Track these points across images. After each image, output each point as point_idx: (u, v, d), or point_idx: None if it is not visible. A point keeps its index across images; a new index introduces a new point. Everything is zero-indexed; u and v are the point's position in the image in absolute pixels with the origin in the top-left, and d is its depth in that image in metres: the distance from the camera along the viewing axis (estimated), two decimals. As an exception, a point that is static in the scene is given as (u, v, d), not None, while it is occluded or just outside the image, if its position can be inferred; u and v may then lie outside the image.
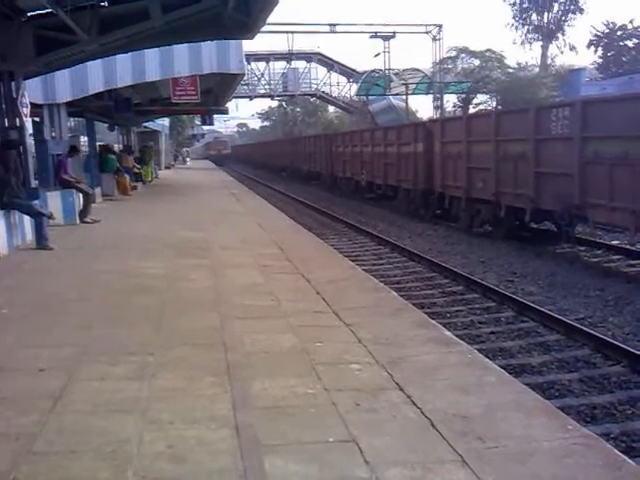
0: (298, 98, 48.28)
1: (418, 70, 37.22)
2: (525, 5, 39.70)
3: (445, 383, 3.51)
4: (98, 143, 20.36)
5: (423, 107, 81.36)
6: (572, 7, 38.57)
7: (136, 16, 8.47)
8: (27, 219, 8.65)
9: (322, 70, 42.01)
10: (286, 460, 2.65)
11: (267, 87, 41.20)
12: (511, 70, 34.54)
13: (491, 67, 34.11)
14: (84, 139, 19.92)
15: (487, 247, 11.26)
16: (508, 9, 47.03)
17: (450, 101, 37.86)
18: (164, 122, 33.74)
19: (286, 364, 3.83)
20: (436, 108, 35.16)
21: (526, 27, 39.88)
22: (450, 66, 35.89)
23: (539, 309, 6.81)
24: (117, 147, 23.36)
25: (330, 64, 41.70)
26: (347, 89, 42.56)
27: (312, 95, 44.53)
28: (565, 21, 38.90)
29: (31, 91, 10.30)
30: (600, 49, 35.05)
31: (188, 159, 52.42)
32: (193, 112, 29.05)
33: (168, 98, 18.85)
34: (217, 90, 21.49)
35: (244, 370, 3.70)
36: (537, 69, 36.51)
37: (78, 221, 10.91)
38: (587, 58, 79.64)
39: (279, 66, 41.06)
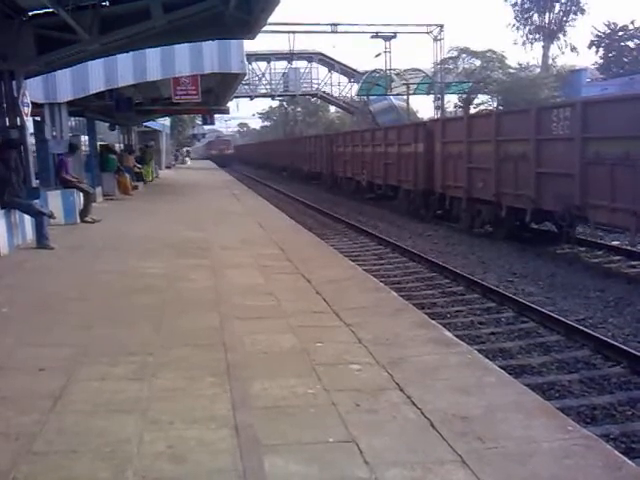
0: (299, 98, 48.27)
1: (419, 70, 37.25)
2: (526, 5, 39.63)
3: (445, 384, 3.50)
4: (99, 143, 20.38)
5: (424, 107, 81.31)
6: (573, 7, 38.51)
7: (137, 16, 8.47)
8: (28, 218, 8.65)
9: (323, 70, 42.07)
10: (286, 460, 2.65)
11: (268, 87, 41.18)
12: (512, 70, 34.50)
13: (492, 67, 34.07)
14: (85, 138, 19.93)
15: (487, 247, 11.25)
16: (509, 9, 46.96)
17: (451, 101, 37.95)
18: (165, 122, 33.75)
19: (286, 364, 3.83)
20: (437, 108, 35.16)
21: (527, 27, 39.82)
22: (451, 66, 35.86)
23: (539, 310, 6.81)
24: (118, 147, 23.38)
25: (331, 64, 41.69)
26: (348, 89, 42.60)
27: (313, 95, 44.52)
28: (566, 21, 38.85)
29: (32, 90, 10.30)
30: (601, 50, 34.97)
31: (188, 159, 52.19)
32: (194, 112, 29.09)
33: (169, 98, 18.85)
34: (218, 90, 21.49)
35: (244, 370, 3.70)
36: (538, 69, 36.47)
37: (79, 220, 10.91)
38: (588, 59, 79.82)
39: (280, 66, 41.07)
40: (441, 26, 34.99)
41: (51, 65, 9.97)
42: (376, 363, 3.83)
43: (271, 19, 8.95)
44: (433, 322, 5.00)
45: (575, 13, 38.63)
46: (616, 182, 8.77)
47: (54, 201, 10.34)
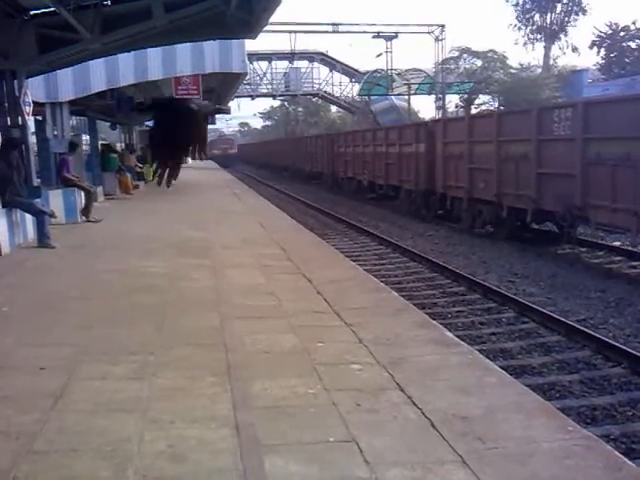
0: (300, 98, 48.20)
1: (420, 70, 37.21)
2: (528, 6, 39.64)
3: (446, 384, 3.50)
4: (100, 142, 20.40)
5: (425, 107, 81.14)
6: (575, 8, 38.50)
7: (139, 15, 8.48)
8: (29, 217, 8.65)
9: (324, 70, 42.05)
10: (286, 460, 2.65)
11: (269, 87, 41.15)
12: (513, 71, 34.51)
13: (493, 68, 34.08)
14: (86, 138, 19.95)
15: (488, 248, 11.25)
16: (511, 10, 47.10)
17: (452, 101, 37.90)
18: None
19: (287, 364, 3.83)
20: (438, 108, 35.11)
21: (529, 28, 39.83)
22: (452, 66, 35.87)
23: (540, 310, 6.81)
24: (119, 146, 23.40)
25: (332, 64, 41.64)
26: (349, 89, 42.55)
27: (314, 95, 44.46)
28: (568, 22, 38.85)
29: (33, 90, 10.31)
30: (603, 50, 34.93)
31: (189, 158, 52.10)
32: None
33: (170, 97, 18.85)
34: (219, 89, 21.51)
35: (245, 370, 3.70)
36: (539, 70, 36.48)
37: (80, 220, 10.92)
38: (589, 59, 79.82)
39: (281, 66, 41.06)
40: (442, 26, 34.97)
41: (52, 64, 9.97)
42: (377, 363, 3.83)
43: (272, 19, 8.95)
44: (434, 322, 4.99)
45: (576, 13, 38.65)
46: (617, 183, 8.77)
47: (55, 200, 10.33)
